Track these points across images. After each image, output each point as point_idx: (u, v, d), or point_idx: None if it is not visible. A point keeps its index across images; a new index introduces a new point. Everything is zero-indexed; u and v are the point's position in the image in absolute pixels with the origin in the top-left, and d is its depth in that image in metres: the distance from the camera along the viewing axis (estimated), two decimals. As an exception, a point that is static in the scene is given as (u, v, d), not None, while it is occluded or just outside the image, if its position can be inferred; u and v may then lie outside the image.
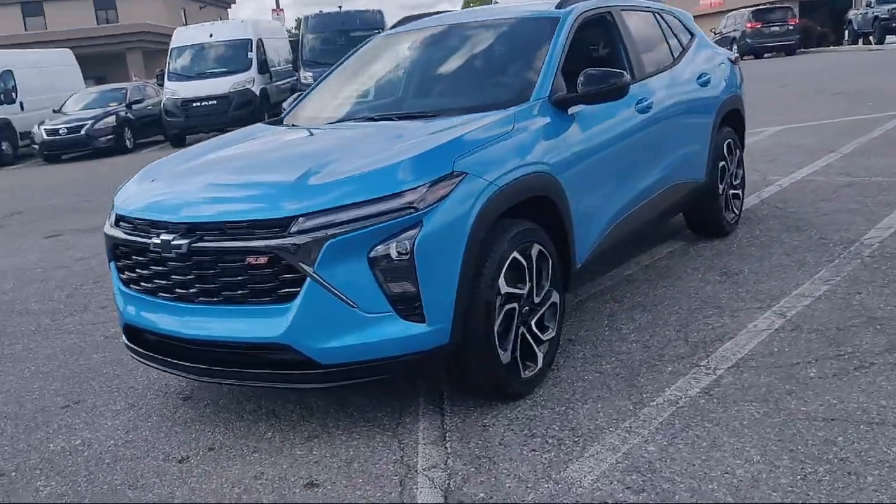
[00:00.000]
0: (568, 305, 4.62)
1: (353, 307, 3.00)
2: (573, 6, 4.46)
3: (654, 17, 5.34)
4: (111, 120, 19.44)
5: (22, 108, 21.11)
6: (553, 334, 3.66)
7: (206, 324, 3.21)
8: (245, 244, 3.06)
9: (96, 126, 19.15)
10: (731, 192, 5.79)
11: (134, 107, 20.55)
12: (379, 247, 2.97)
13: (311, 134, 4.20)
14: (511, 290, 3.35)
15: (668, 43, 5.32)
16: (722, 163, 5.59)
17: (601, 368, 3.74)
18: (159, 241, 3.21)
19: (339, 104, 4.57)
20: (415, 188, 3.04)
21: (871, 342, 3.70)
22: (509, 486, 2.82)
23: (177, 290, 3.27)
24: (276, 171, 3.42)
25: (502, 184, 3.30)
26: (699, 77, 5.35)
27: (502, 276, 3.28)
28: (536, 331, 3.54)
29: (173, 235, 3.18)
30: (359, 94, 4.64)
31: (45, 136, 18.99)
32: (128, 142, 19.94)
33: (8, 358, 4.80)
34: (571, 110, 3.97)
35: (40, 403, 4.03)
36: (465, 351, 3.24)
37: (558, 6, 4.48)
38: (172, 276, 3.27)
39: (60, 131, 18.95)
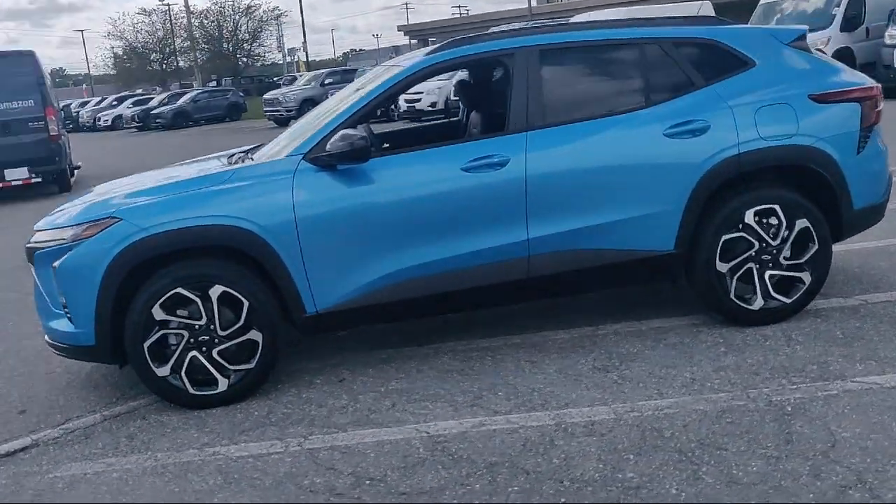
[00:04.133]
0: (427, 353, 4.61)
1: (48, 302, 4.21)
2: (425, 59, 4.35)
3: (636, 50, 4.41)
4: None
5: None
6: (252, 366, 4.10)
7: None
8: None
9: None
10: (771, 273, 4.41)
11: None
12: (55, 263, 4.10)
13: (182, 168, 5.06)
14: (172, 318, 4.00)
15: (645, 83, 4.39)
16: (731, 234, 4.34)
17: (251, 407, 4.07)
18: None
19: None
20: (75, 225, 4.08)
21: (436, 478, 3.16)
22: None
23: None
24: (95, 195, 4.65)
25: (156, 231, 3.94)
26: (677, 125, 4.26)
27: (159, 305, 3.98)
28: (220, 359, 4.07)
29: None
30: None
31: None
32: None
33: None
34: (342, 167, 4.11)
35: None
36: (128, 357, 4.11)
37: (427, 54, 4.39)
38: None
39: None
